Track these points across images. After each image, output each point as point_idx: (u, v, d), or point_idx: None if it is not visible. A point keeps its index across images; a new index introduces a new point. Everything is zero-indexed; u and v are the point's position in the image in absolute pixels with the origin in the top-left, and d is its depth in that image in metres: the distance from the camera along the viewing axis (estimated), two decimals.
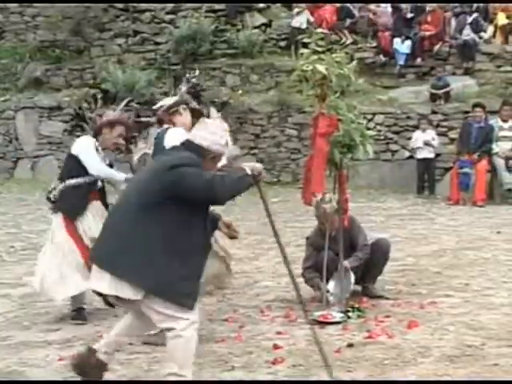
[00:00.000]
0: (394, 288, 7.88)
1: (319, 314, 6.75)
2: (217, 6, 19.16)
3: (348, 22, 18.52)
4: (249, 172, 4.75)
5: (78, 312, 6.93)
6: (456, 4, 18.46)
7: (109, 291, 4.67)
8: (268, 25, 18.91)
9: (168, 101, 6.59)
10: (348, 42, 17.84)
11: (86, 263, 6.45)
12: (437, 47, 17.46)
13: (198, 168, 4.65)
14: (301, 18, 18.18)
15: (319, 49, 6.92)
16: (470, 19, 17.37)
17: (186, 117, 6.45)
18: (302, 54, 6.99)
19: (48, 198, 6.98)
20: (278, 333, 6.38)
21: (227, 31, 18.78)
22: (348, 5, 18.95)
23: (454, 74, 17.17)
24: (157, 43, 19.32)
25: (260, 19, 18.95)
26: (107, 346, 5.01)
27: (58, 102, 18.68)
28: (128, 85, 17.57)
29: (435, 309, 7.08)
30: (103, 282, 4.64)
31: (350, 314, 6.81)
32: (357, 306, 7.04)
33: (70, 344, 6.26)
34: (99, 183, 7.00)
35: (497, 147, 14.17)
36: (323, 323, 6.63)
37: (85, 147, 6.85)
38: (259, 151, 17.03)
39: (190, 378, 4.78)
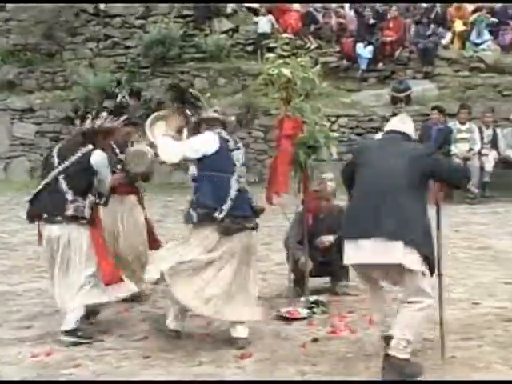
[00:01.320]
0: (357, 284, 7.90)
1: (286, 310, 6.75)
2: (185, 12, 19.12)
3: (312, 27, 18.57)
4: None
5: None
6: (416, 11, 18.61)
7: (401, 260, 5.04)
8: (235, 30, 18.90)
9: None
10: (312, 46, 17.88)
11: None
12: (398, 52, 17.57)
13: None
14: (264, 24, 18.17)
15: (284, 53, 6.93)
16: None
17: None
18: (267, 58, 7.00)
19: (75, 217, 6.25)
20: None
21: (196, 36, 18.74)
22: (312, 11, 19.01)
23: (414, 78, 17.28)
24: (127, 47, 19.23)
25: (227, 24, 18.93)
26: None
27: (30, 104, 18.53)
28: (99, 88, 17.48)
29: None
30: (392, 253, 5.03)
31: (314, 309, 6.82)
32: (321, 299, 7.06)
33: (42, 341, 6.21)
34: None
35: (455, 148, 14.26)
36: (289, 319, 6.63)
37: (104, 163, 6.40)
38: None
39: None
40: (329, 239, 7.43)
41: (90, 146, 6.36)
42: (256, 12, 19.15)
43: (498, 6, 18.67)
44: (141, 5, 19.40)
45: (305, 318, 6.67)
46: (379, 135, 14.92)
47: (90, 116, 6.48)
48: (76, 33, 19.60)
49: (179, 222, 12.21)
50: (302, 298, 7.02)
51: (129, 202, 7.43)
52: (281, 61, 6.86)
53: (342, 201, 7.50)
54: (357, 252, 5.21)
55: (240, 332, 5.98)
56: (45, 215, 6.35)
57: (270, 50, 7.25)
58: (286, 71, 6.73)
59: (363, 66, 17.52)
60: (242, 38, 18.77)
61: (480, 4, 18.38)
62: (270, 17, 18.41)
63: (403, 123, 5.67)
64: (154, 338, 6.25)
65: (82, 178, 6.31)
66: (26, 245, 10.57)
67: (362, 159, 5.51)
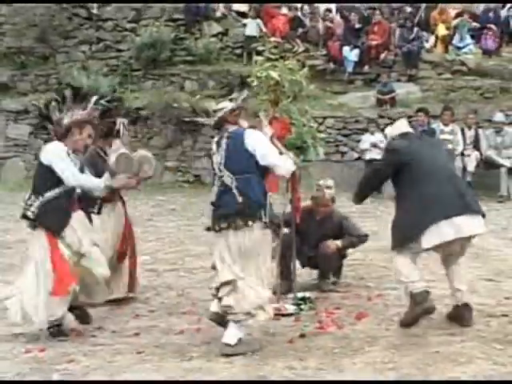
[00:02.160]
0: (344, 281, 7.92)
1: (274, 307, 6.75)
2: (176, 16, 19.11)
3: (300, 31, 18.58)
4: None
5: (58, 329, 6.22)
6: (400, 16, 18.64)
7: (484, 228, 6.32)
8: (224, 33, 18.89)
9: (228, 104, 6.11)
10: (300, 50, 17.89)
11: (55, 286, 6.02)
12: (383, 55, 17.59)
13: None
14: (252, 26, 18.17)
15: (273, 56, 6.93)
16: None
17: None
18: (256, 61, 7.00)
19: (24, 216, 6.21)
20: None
21: (186, 39, 18.72)
22: (300, 15, 19.03)
23: (398, 80, 17.31)
24: (119, 50, 19.19)
25: (217, 28, 18.91)
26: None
27: (24, 105, 18.45)
28: (91, 90, 17.41)
29: (382, 301, 7.13)
30: (480, 224, 6.25)
31: (302, 306, 6.83)
32: (308, 295, 7.06)
33: (36, 337, 6.19)
34: (77, 190, 6.31)
35: None
36: (277, 315, 6.63)
37: (57, 155, 6.06)
38: None
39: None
40: (336, 244, 7.50)
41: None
42: (245, 16, 19.14)
43: (480, 11, 18.73)
44: (132, 9, 19.38)
45: (292, 315, 6.68)
46: (376, 136, 14.97)
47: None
48: (69, 36, 19.55)
49: (170, 221, 12.32)
50: (290, 295, 7.03)
51: (119, 210, 7.28)
52: (269, 64, 6.86)
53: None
54: (453, 229, 6.00)
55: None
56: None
57: (259, 53, 7.25)
58: (274, 74, 6.74)
59: (349, 68, 17.54)
60: (230, 41, 18.77)
61: (462, 9, 18.44)
62: (258, 21, 18.41)
63: (410, 126, 6.71)
64: (145, 334, 6.25)
65: (39, 175, 6.26)
66: (20, 243, 10.51)
67: (409, 157, 6.18)
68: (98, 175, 6.32)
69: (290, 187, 7.00)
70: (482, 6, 19.05)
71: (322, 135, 7.28)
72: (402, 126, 6.59)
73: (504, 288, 7.56)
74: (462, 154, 14.47)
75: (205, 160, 16.93)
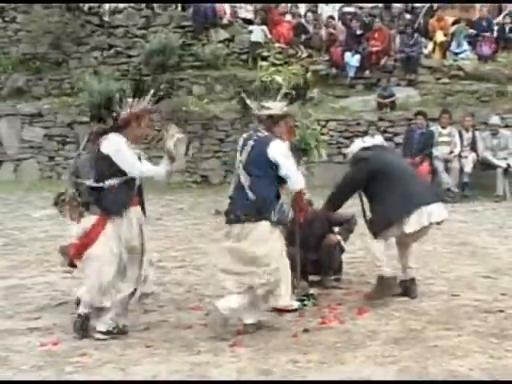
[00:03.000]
0: (345, 278, 7.91)
1: None
2: (184, 23, 19.09)
3: (303, 37, 18.54)
4: None
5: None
6: (400, 22, 18.60)
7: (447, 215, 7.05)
8: (231, 40, 18.86)
9: (277, 106, 6.13)
10: (303, 55, 17.85)
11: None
12: (383, 61, 17.53)
13: None
14: (257, 33, 18.16)
15: (277, 62, 6.94)
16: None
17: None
18: (261, 66, 7.00)
19: (85, 203, 6.11)
20: (240, 320, 6.36)
21: (194, 45, 18.70)
22: (303, 22, 19.00)
23: (398, 85, 17.26)
24: (129, 56, 19.18)
25: (224, 34, 18.88)
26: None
27: (38, 109, 18.47)
28: (103, 94, 17.44)
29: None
30: (444, 211, 6.96)
31: (305, 302, 6.82)
32: (311, 292, 7.06)
33: (51, 331, 6.21)
34: (137, 182, 6.11)
35: (436, 151, 14.27)
36: (282, 311, 6.62)
37: (117, 146, 5.89)
38: (223, 154, 16.94)
39: None
40: (337, 238, 7.58)
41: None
42: (251, 23, 19.12)
43: (476, 18, 18.70)
44: (142, 16, 19.39)
45: (296, 310, 6.67)
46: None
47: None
48: (82, 42, 19.55)
49: (178, 220, 12.32)
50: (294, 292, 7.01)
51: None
52: (274, 69, 6.87)
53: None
54: (427, 215, 6.70)
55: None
56: None
57: (264, 58, 7.23)
58: (279, 78, 6.74)
59: (351, 73, 17.49)
60: (237, 47, 18.74)
61: (459, 16, 18.41)
62: (264, 27, 18.39)
63: (379, 140, 7.49)
64: (155, 329, 6.25)
65: (96, 165, 6.07)
66: (34, 241, 10.56)
67: (379, 163, 6.90)
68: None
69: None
70: (478, 14, 19.03)
71: (325, 137, 7.29)
72: (361, 143, 7.21)
73: (500, 285, 7.55)
74: (460, 156, 14.44)
75: (211, 161, 16.96)
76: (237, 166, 6.05)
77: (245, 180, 5.93)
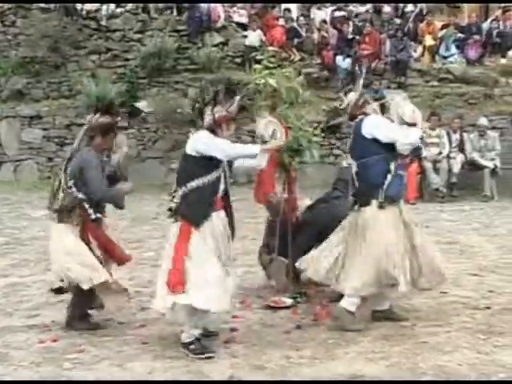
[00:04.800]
0: None
1: (272, 300, 6.75)
2: (179, 27, 19.09)
3: (296, 41, 18.56)
4: None
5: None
6: (390, 27, 18.63)
7: None
8: (225, 43, 18.85)
9: (352, 96, 6.29)
10: (296, 59, 17.85)
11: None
12: (374, 64, 17.57)
13: None
14: (253, 37, 18.18)
15: (270, 65, 6.92)
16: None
17: (373, 104, 6.43)
18: (255, 69, 6.99)
19: (169, 209, 5.61)
20: (235, 317, 6.36)
21: (189, 49, 18.68)
22: (296, 26, 19.01)
23: (388, 87, 17.27)
24: (126, 59, 19.14)
25: (218, 38, 18.86)
26: None
27: (37, 111, 18.44)
28: (100, 96, 17.43)
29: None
30: None
31: (298, 299, 6.82)
32: (304, 291, 7.05)
33: (49, 328, 6.19)
34: (221, 185, 5.61)
35: (425, 152, 14.31)
36: (275, 308, 6.63)
37: (208, 138, 5.47)
38: None
39: None
40: None
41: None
42: (244, 27, 19.13)
43: (465, 22, 18.75)
44: (138, 20, 19.38)
45: (289, 307, 6.67)
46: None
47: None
48: (79, 46, 19.51)
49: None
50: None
51: None
52: (267, 72, 6.86)
53: None
54: None
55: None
56: None
57: (258, 61, 7.23)
58: (272, 81, 6.73)
59: (342, 76, 17.52)
60: (231, 50, 18.72)
61: (448, 21, 18.43)
62: (259, 31, 18.40)
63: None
64: (151, 326, 6.24)
65: (183, 166, 5.65)
66: (34, 240, 10.54)
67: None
68: None
69: (286, 188, 7.00)
70: (466, 18, 19.09)
71: (317, 139, 7.26)
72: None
73: (487, 282, 7.56)
74: (448, 157, 14.48)
75: None
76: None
77: (353, 166, 6.10)
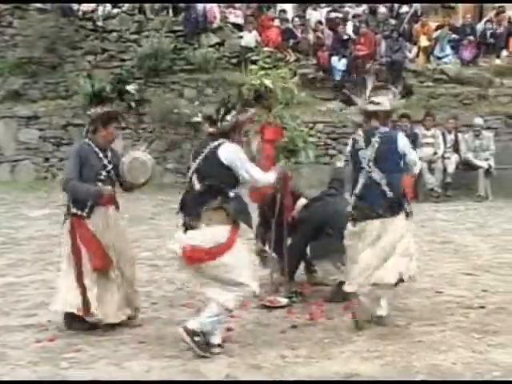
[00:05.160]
0: (333, 276, 7.90)
1: (267, 299, 6.76)
2: (176, 28, 19.07)
3: (291, 42, 18.56)
4: None
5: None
6: (385, 27, 18.64)
7: None
8: (221, 44, 18.82)
9: (387, 102, 6.24)
10: (291, 59, 17.83)
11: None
12: (369, 65, 17.58)
13: None
14: (249, 38, 18.20)
15: (266, 65, 6.93)
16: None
17: None
18: (251, 70, 7.00)
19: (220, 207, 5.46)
20: (231, 316, 6.36)
21: (185, 49, 18.65)
22: (291, 27, 19.01)
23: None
24: (123, 60, 19.11)
25: (214, 39, 18.84)
26: None
27: (34, 112, 18.40)
28: (97, 97, 17.40)
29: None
30: None
31: (293, 298, 6.83)
32: (300, 291, 7.06)
33: (45, 328, 6.19)
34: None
35: (420, 152, 14.31)
36: (271, 307, 6.64)
37: (239, 154, 5.52)
38: None
39: None
40: None
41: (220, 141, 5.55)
42: (240, 28, 19.13)
43: (459, 23, 18.79)
44: (135, 21, 19.36)
45: (285, 307, 6.68)
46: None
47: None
48: (76, 47, 19.48)
49: (170, 219, 12.27)
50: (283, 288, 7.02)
51: (112, 212, 6.26)
52: (263, 72, 6.86)
53: None
54: None
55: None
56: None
57: (253, 62, 7.24)
58: (268, 82, 6.74)
59: (337, 77, 17.53)
60: (227, 51, 18.70)
61: (442, 22, 18.46)
62: (255, 32, 18.41)
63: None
64: (148, 325, 6.24)
65: (215, 175, 5.49)
66: (30, 240, 10.53)
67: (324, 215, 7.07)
68: None
69: (281, 188, 6.99)
70: (461, 19, 19.13)
71: (312, 139, 7.26)
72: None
73: (481, 281, 7.58)
74: (443, 157, 14.51)
75: None
76: (364, 163, 6.06)
77: (379, 177, 6.01)
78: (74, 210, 6.08)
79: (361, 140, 6.15)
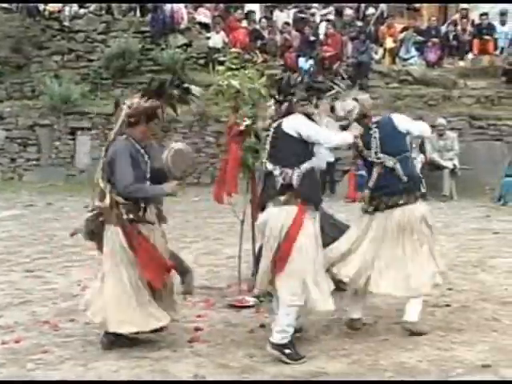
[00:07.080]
0: None
1: (235, 299, 6.75)
2: (143, 28, 19.01)
3: (259, 43, 18.59)
4: None
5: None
6: (352, 29, 18.75)
7: None
8: (189, 45, 18.81)
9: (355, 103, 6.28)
10: (259, 60, 17.83)
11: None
12: (335, 66, 17.67)
13: None
14: (216, 39, 18.19)
15: (233, 66, 6.93)
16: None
17: None
18: (218, 70, 7.00)
19: (283, 187, 5.22)
20: (199, 316, 6.36)
21: (152, 50, 18.62)
22: (258, 28, 19.03)
23: (350, 89, 17.40)
24: (90, 60, 19.02)
25: (182, 40, 18.81)
26: None
27: (0, 112, 18.25)
28: (63, 97, 17.31)
29: (336, 292, 7.15)
30: None
31: (261, 298, 6.83)
32: (268, 291, 7.05)
33: (12, 329, 6.11)
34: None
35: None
36: (238, 307, 6.63)
37: (310, 124, 5.41)
38: None
39: None
40: None
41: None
42: (207, 28, 19.12)
43: (424, 25, 18.97)
44: (102, 21, 19.27)
45: (253, 306, 6.68)
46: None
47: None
48: (42, 47, 19.33)
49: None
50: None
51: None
52: (230, 73, 6.87)
53: None
54: None
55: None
56: None
57: (221, 63, 7.24)
58: (235, 82, 6.75)
59: (305, 78, 17.58)
60: (194, 52, 18.69)
61: (408, 24, 18.63)
62: (222, 33, 18.41)
63: None
64: None
65: (284, 149, 5.31)
66: None
67: None
68: None
69: (249, 188, 7.01)
70: (426, 22, 19.32)
71: None
72: None
73: (447, 280, 7.63)
74: None
75: None
76: (372, 156, 5.96)
77: (392, 162, 5.86)
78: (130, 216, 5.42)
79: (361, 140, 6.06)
